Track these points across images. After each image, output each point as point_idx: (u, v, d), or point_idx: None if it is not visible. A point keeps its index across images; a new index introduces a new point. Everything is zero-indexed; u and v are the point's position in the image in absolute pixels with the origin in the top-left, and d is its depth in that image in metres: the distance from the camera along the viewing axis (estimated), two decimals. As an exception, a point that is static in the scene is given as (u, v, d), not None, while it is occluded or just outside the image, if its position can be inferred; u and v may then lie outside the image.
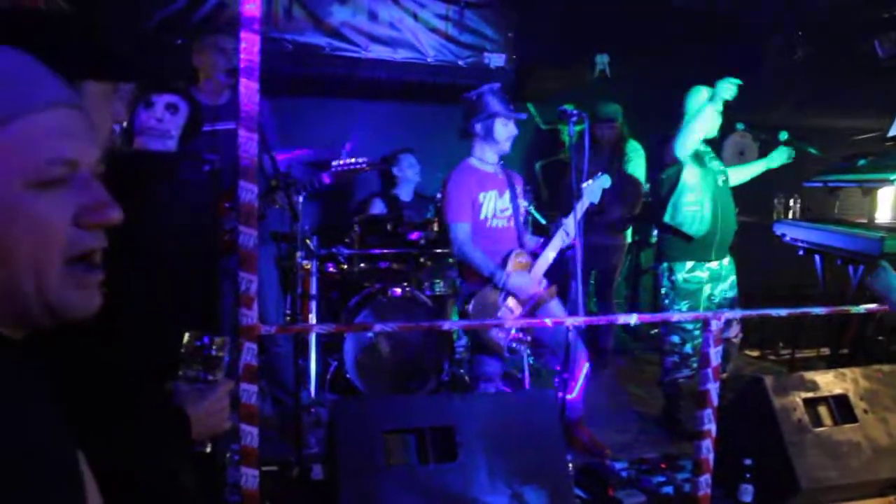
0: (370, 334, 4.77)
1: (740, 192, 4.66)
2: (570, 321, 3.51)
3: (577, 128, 3.92)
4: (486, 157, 4.11)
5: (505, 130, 4.04)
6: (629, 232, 5.92)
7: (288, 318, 4.39)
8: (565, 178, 4.15)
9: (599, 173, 4.33)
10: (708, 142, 4.41)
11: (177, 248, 2.43)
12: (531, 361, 5.24)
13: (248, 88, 2.38)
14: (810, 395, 3.58)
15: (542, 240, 4.27)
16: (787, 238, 4.92)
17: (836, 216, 5.15)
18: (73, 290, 0.86)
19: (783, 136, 4.49)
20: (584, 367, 4.15)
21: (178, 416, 1.50)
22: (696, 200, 4.35)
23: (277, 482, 3.48)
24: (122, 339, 1.68)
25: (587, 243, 5.48)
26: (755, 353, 6.17)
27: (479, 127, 4.05)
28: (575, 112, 3.85)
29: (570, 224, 4.02)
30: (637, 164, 5.65)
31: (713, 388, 3.12)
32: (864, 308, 3.55)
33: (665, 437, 4.42)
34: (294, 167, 4.01)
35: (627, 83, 6.13)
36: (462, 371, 5.10)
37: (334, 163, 4.02)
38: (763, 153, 4.68)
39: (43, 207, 0.82)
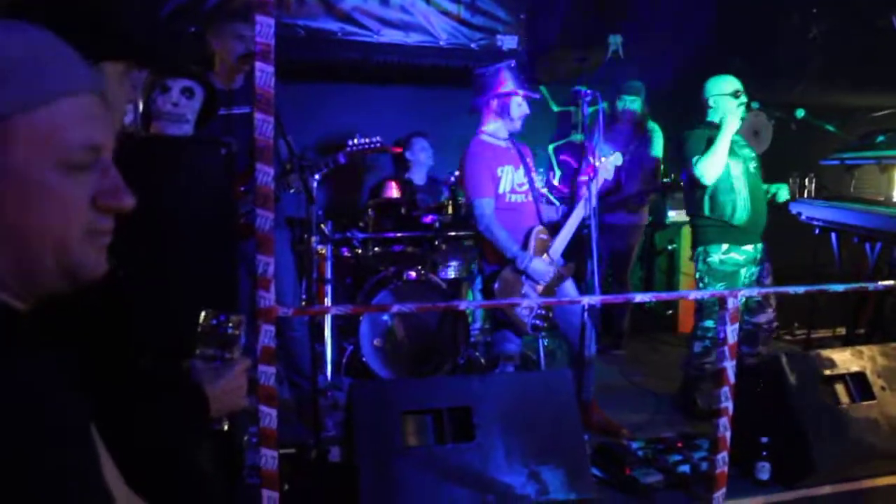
0: (385, 317, 4.79)
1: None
2: (587, 300, 3.51)
3: (591, 108, 3.91)
4: (498, 133, 4.11)
5: (519, 109, 4.04)
6: (645, 212, 5.90)
7: (304, 302, 4.42)
8: (579, 158, 4.14)
9: (612, 151, 4.33)
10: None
11: (194, 231, 2.45)
12: (546, 343, 5.25)
13: (264, 71, 2.39)
14: (827, 372, 3.58)
15: (561, 208, 4.28)
16: (803, 217, 4.89)
17: (853, 194, 5.11)
18: (88, 255, 0.90)
19: (799, 113, 4.46)
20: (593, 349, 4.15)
21: (195, 393, 1.52)
22: (733, 188, 4.33)
23: (295, 465, 3.50)
24: (139, 318, 1.70)
25: (605, 224, 5.51)
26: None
27: (494, 103, 4.04)
28: (589, 92, 3.85)
29: (582, 206, 4.04)
30: (657, 143, 5.63)
31: (730, 366, 3.12)
32: (882, 285, 3.53)
33: (681, 417, 4.42)
34: (308, 150, 4.02)
35: (641, 64, 6.09)
36: (478, 354, 5.11)
37: (350, 142, 4.02)
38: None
39: (69, 189, 0.86)
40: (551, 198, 5.54)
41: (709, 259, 4.40)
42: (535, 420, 3.13)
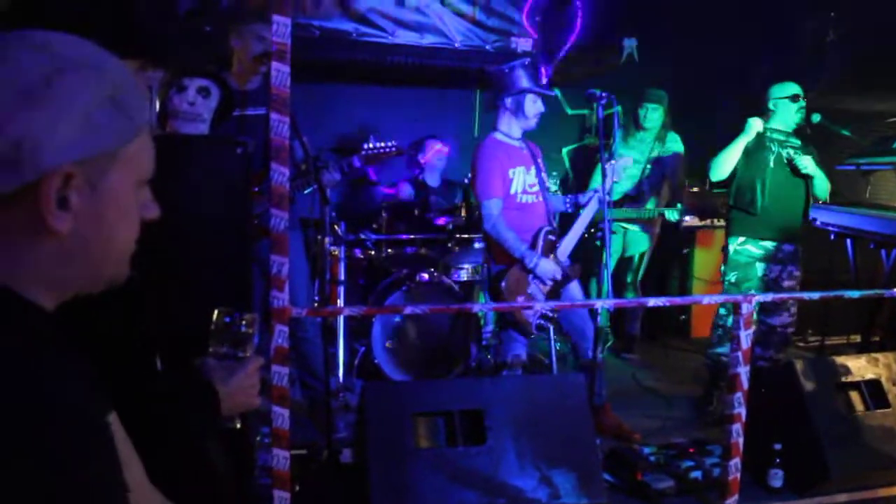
0: (398, 319, 4.79)
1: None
2: (600, 304, 3.50)
3: (606, 111, 3.90)
4: (511, 132, 4.12)
5: (534, 107, 4.05)
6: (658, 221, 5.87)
7: (317, 304, 4.42)
8: (593, 161, 4.14)
9: (624, 155, 4.35)
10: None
11: (208, 230, 2.46)
12: (558, 346, 5.23)
13: (280, 71, 2.39)
14: (842, 379, 3.55)
15: (570, 198, 4.31)
16: (818, 223, 4.86)
17: (868, 200, 5.08)
18: (128, 263, 1.01)
19: (816, 118, 4.45)
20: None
21: (207, 391, 1.52)
22: (755, 181, 4.43)
23: (307, 465, 3.50)
24: (152, 317, 1.70)
25: (622, 229, 5.51)
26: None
27: (509, 101, 4.05)
28: (604, 95, 3.83)
29: (593, 204, 4.10)
30: (678, 153, 5.60)
31: (743, 371, 3.10)
32: (897, 292, 3.51)
33: (693, 422, 4.40)
34: (323, 151, 4.02)
35: (656, 68, 6.07)
36: (490, 356, 5.10)
37: (365, 146, 4.02)
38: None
39: (136, 205, 0.98)
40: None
41: (728, 248, 4.56)
42: (547, 423, 3.12)
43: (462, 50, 5.68)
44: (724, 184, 4.64)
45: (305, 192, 3.73)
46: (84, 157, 0.86)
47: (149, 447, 1.13)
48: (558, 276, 4.05)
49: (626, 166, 4.38)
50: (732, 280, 4.51)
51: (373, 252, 5.10)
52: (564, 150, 6.53)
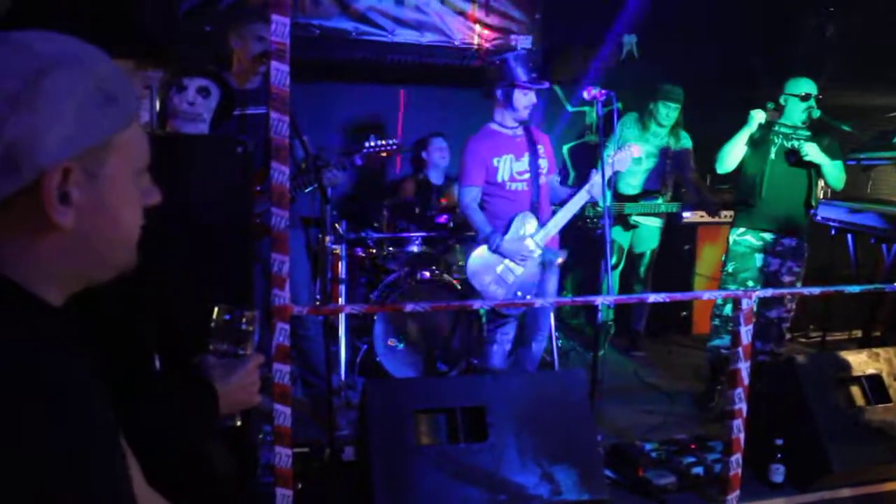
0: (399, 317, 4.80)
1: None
2: (600, 300, 3.51)
3: (605, 108, 3.91)
4: (505, 122, 4.18)
5: (524, 99, 4.09)
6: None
7: (318, 302, 4.43)
8: (593, 158, 4.15)
9: (630, 144, 4.36)
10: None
11: (209, 229, 2.46)
12: (560, 344, 5.24)
13: (279, 70, 2.40)
14: (843, 374, 3.56)
15: (573, 189, 4.32)
16: (819, 218, 4.87)
17: (870, 195, 5.08)
18: (134, 250, 1.02)
19: (815, 114, 4.44)
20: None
21: (206, 389, 1.51)
22: (757, 172, 4.47)
23: (309, 463, 3.51)
24: (153, 316, 1.70)
25: (630, 224, 5.51)
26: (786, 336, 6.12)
27: (499, 93, 4.12)
28: (603, 92, 3.84)
29: (597, 188, 4.09)
30: (687, 149, 5.60)
31: (744, 367, 3.10)
32: (898, 287, 3.51)
33: (694, 418, 4.40)
34: (323, 150, 4.03)
35: (655, 64, 6.07)
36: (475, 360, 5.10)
37: (366, 144, 4.03)
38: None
39: (137, 193, 0.99)
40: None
41: (729, 238, 4.61)
42: (549, 420, 3.13)
43: (462, 48, 5.69)
44: (728, 178, 4.65)
45: (306, 190, 3.74)
46: (79, 151, 0.87)
47: (148, 448, 1.14)
48: (527, 254, 4.12)
49: (633, 156, 4.35)
50: (730, 270, 4.54)
51: (374, 250, 5.10)
52: (565, 148, 6.52)
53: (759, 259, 4.50)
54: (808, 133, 4.46)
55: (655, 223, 5.62)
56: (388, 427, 2.97)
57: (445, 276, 4.91)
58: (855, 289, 3.46)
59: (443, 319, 4.87)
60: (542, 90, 4.21)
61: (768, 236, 4.48)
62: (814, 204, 4.52)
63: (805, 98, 4.41)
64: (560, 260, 4.30)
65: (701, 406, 4.56)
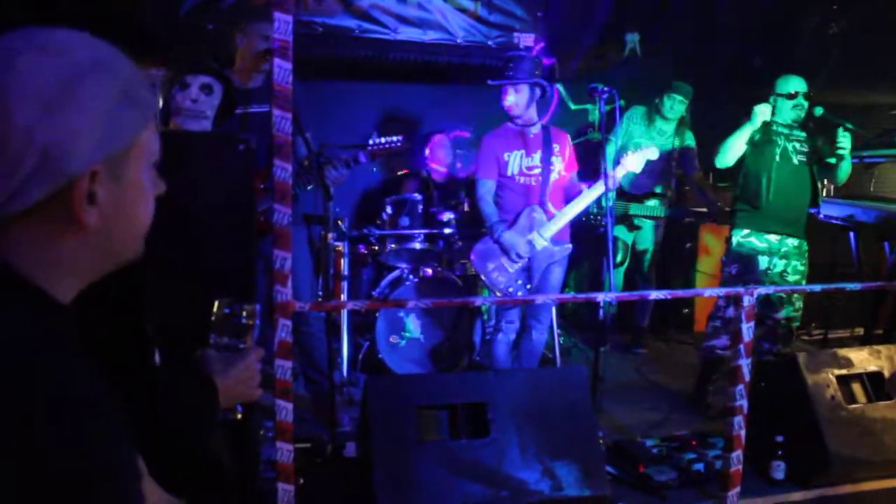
0: (402, 314, 4.81)
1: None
2: (602, 296, 3.52)
3: (608, 106, 3.92)
4: (515, 120, 4.31)
5: (508, 98, 4.21)
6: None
7: (320, 299, 4.44)
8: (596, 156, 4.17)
9: (645, 145, 4.38)
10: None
11: (212, 226, 2.47)
12: (562, 340, 5.25)
13: (282, 68, 2.41)
14: (844, 372, 3.56)
15: (586, 184, 4.36)
16: (822, 215, 4.87)
17: (872, 192, 5.08)
18: (142, 243, 1.04)
19: (818, 111, 4.43)
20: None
21: (205, 383, 1.52)
22: (761, 174, 4.41)
23: (310, 459, 3.53)
24: (156, 313, 1.71)
25: (634, 221, 5.52)
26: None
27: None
28: (606, 90, 3.85)
29: (598, 189, 4.14)
30: (691, 147, 5.60)
31: (745, 363, 3.11)
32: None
33: (696, 415, 4.41)
34: (327, 149, 4.03)
35: (658, 62, 6.07)
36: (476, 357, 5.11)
37: (370, 141, 4.04)
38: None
39: (151, 185, 1.01)
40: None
41: (731, 240, 4.55)
42: (550, 416, 3.14)
43: (464, 46, 5.69)
44: (728, 176, 4.63)
45: (309, 188, 3.75)
46: (108, 154, 0.90)
47: (148, 443, 1.14)
48: (521, 253, 4.21)
49: (650, 158, 4.36)
50: (734, 273, 4.48)
51: (377, 247, 5.11)
52: (567, 145, 6.52)
53: (762, 262, 4.44)
54: (804, 133, 4.45)
55: (650, 219, 5.63)
56: (390, 423, 2.98)
57: (448, 272, 4.93)
58: (857, 286, 3.46)
59: (445, 316, 4.88)
60: (546, 91, 4.26)
61: (773, 238, 4.44)
62: (818, 203, 4.50)
63: (793, 97, 4.38)
64: (562, 252, 4.32)
65: (695, 407, 4.53)
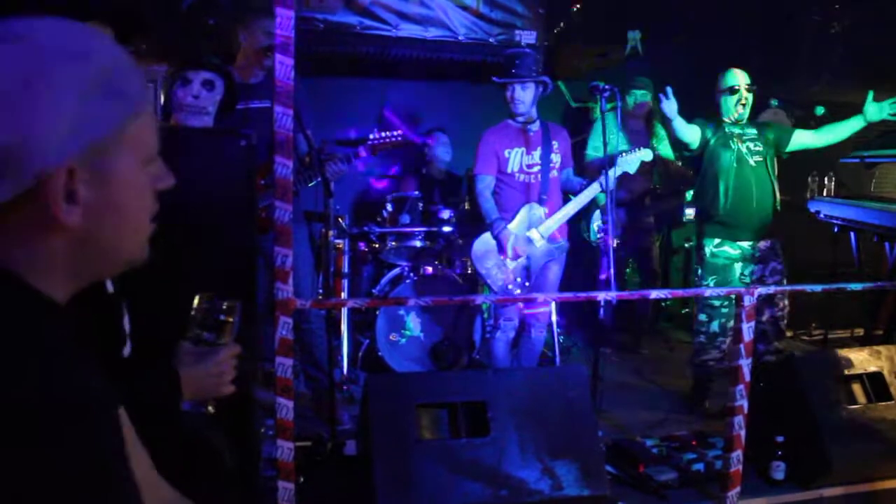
0: (402, 312, 4.81)
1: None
2: (602, 296, 3.51)
3: (609, 104, 3.92)
4: (516, 117, 4.32)
5: (512, 95, 4.22)
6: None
7: (321, 296, 4.44)
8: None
9: (639, 147, 4.38)
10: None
11: (214, 223, 2.47)
12: (562, 340, 5.24)
13: (284, 64, 2.40)
14: (845, 372, 3.56)
15: (584, 182, 4.38)
16: (822, 215, 4.85)
17: (873, 193, 5.07)
18: (146, 242, 1.00)
19: (819, 111, 4.42)
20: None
21: (167, 374, 1.53)
22: (716, 179, 4.32)
23: (311, 457, 3.52)
24: (156, 309, 1.70)
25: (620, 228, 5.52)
26: (788, 334, 6.11)
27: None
28: (607, 87, 3.85)
29: (594, 188, 4.20)
30: (666, 144, 5.60)
31: (745, 364, 3.10)
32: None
33: (696, 416, 4.40)
34: (328, 145, 4.03)
35: (660, 60, 6.06)
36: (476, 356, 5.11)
37: (371, 136, 4.04)
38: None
39: (147, 181, 0.96)
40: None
41: (702, 252, 4.42)
42: (550, 415, 3.13)
43: (466, 43, 5.69)
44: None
45: (310, 184, 3.75)
46: (83, 149, 0.84)
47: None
48: (520, 250, 4.23)
49: (644, 158, 4.38)
50: (711, 285, 4.33)
51: (377, 245, 5.11)
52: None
53: (738, 269, 4.36)
54: (754, 129, 4.39)
55: (636, 224, 5.62)
56: (390, 421, 2.97)
57: (448, 270, 4.92)
58: (857, 286, 3.46)
59: (445, 314, 4.87)
60: (547, 88, 4.26)
61: (745, 245, 4.35)
62: (778, 203, 4.39)
63: (734, 91, 4.32)
64: (560, 251, 4.33)
65: (694, 410, 4.49)
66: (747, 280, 4.40)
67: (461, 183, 5.72)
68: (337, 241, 4.75)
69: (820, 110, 4.44)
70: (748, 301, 3.08)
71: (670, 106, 4.14)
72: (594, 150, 5.49)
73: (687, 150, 4.42)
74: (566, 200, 4.40)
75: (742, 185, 4.29)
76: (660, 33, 6.01)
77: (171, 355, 1.57)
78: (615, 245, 4.12)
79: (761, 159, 4.35)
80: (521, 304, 4.37)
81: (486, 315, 5.10)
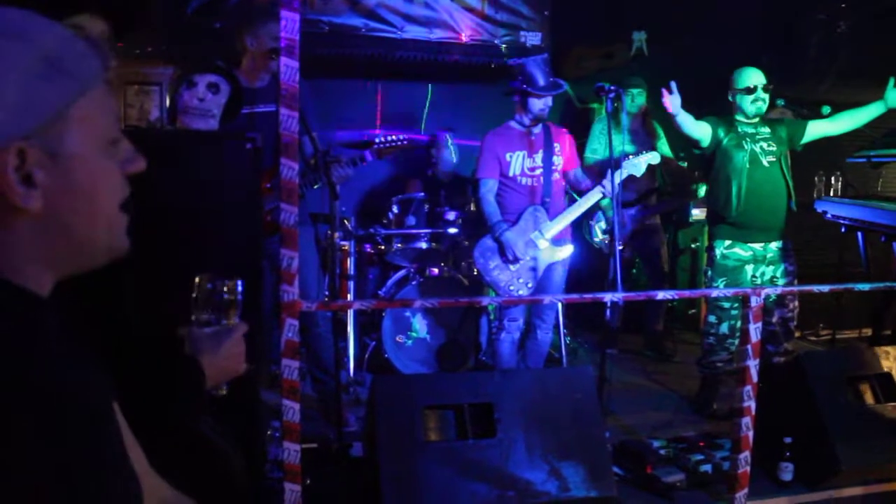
0: (408, 313, 4.81)
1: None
2: (609, 297, 3.51)
3: (615, 105, 3.92)
4: (523, 121, 4.32)
5: (539, 103, 4.23)
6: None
7: (327, 298, 4.44)
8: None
9: (646, 150, 4.40)
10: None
11: (219, 225, 2.47)
12: (568, 340, 5.24)
13: (289, 67, 2.40)
14: (852, 373, 3.54)
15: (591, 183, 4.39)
16: (829, 215, 4.83)
17: (880, 193, 5.05)
18: (123, 230, 0.97)
19: (825, 110, 4.40)
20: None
21: (191, 365, 1.48)
22: (729, 181, 4.28)
23: (317, 459, 3.52)
24: (161, 312, 1.70)
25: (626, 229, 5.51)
26: (796, 334, 6.09)
27: (517, 96, 4.27)
28: (613, 88, 3.85)
29: (607, 187, 4.19)
30: (664, 142, 5.58)
31: (753, 365, 3.09)
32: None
33: (703, 417, 4.39)
34: (333, 147, 4.03)
35: (665, 61, 6.05)
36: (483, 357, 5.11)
37: (377, 139, 4.05)
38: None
39: (111, 164, 0.94)
40: (573, 195, 5.53)
41: (713, 253, 4.39)
42: (557, 416, 3.13)
43: (471, 45, 5.69)
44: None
45: (315, 187, 3.75)
46: (29, 130, 0.82)
47: (136, 430, 1.13)
48: (522, 253, 4.24)
49: (652, 161, 4.41)
50: (721, 286, 4.30)
51: (383, 246, 5.11)
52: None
53: (750, 271, 4.33)
54: (768, 129, 4.35)
55: (641, 225, 5.60)
56: (397, 423, 2.97)
57: (454, 272, 4.92)
58: (865, 286, 3.44)
59: (452, 315, 4.87)
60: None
61: (757, 246, 4.32)
62: (794, 202, 4.37)
63: (751, 91, 4.28)
64: (563, 252, 4.32)
65: (702, 411, 4.46)
66: (759, 282, 4.37)
67: (467, 185, 5.72)
68: (343, 242, 4.76)
69: (826, 110, 4.42)
70: (755, 302, 3.08)
71: (674, 101, 4.12)
72: (592, 152, 5.48)
73: (697, 147, 4.37)
74: (570, 202, 4.40)
75: (755, 186, 4.25)
76: (664, 34, 6.00)
77: (181, 345, 1.54)
78: (621, 247, 4.12)
79: (775, 159, 4.31)
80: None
81: (492, 316, 5.09)
